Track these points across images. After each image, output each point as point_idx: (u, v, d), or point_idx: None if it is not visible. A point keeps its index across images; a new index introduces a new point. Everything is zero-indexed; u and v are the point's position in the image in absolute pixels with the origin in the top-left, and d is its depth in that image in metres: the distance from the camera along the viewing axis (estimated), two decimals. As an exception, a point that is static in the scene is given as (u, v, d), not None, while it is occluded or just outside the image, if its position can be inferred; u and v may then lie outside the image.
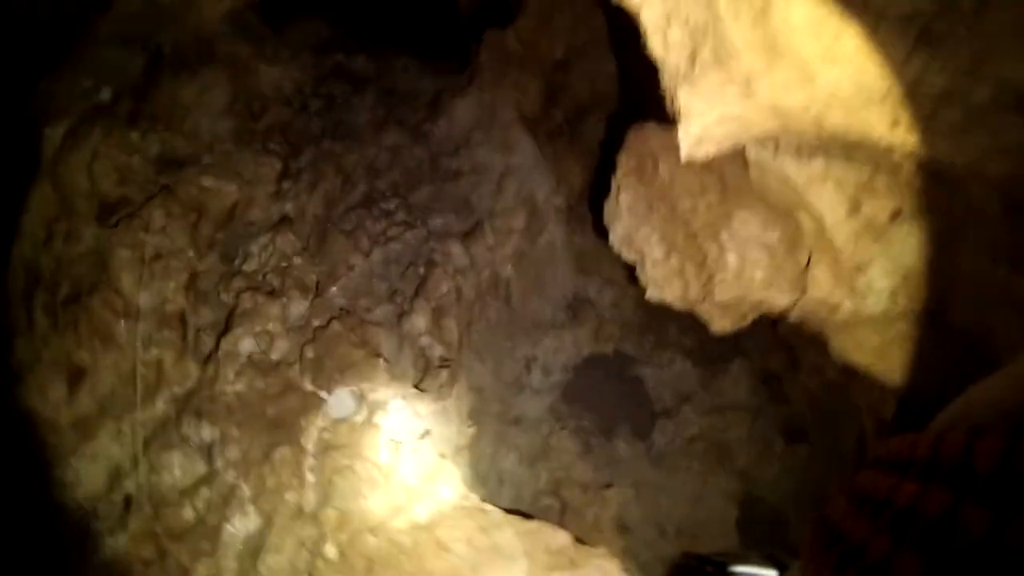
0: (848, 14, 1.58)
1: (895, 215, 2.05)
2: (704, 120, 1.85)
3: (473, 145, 3.82)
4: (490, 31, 4.20)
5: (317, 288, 2.97)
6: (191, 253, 3.03)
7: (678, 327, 4.26)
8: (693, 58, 1.78)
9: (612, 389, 4.07)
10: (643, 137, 2.65)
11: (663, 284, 2.72)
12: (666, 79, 1.93)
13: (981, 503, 0.37)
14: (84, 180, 3.33)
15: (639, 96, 3.04)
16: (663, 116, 2.50)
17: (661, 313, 4.39)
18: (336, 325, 2.89)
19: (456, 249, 3.31)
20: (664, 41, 1.83)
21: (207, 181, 3.27)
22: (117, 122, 3.37)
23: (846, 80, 1.66)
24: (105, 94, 3.59)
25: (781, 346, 3.66)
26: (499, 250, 3.58)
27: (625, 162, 2.74)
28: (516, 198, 3.69)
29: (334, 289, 2.99)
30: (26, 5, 3.55)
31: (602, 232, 4.24)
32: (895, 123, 1.71)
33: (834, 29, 1.59)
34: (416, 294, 3.08)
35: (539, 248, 3.79)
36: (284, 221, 3.22)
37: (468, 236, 3.42)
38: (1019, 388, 0.44)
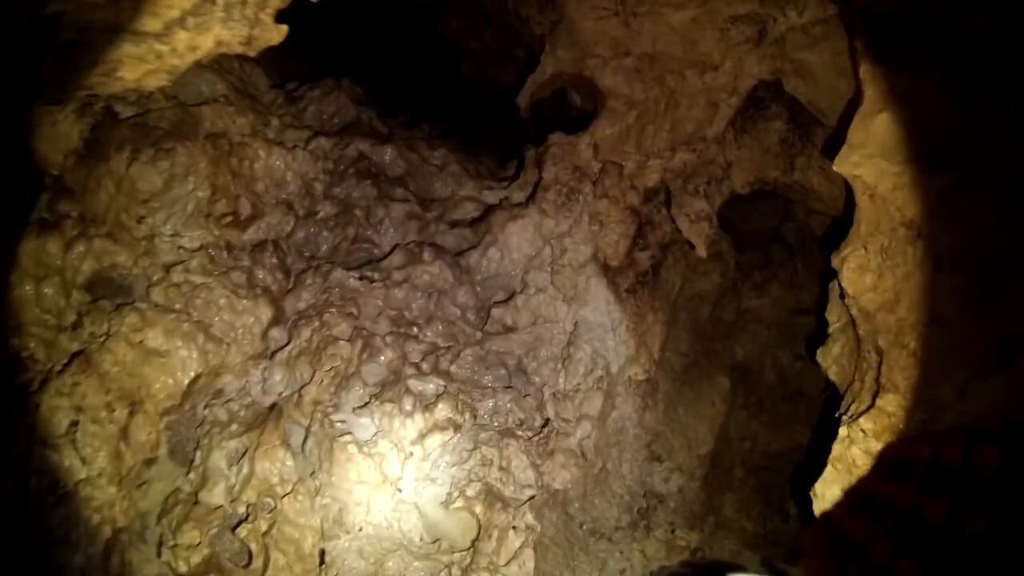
0: None
1: None
2: None
3: (532, 290, 2.87)
4: (557, 135, 3.28)
5: (321, 559, 1.90)
6: (112, 490, 1.88)
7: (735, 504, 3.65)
8: None
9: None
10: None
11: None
12: None
13: (981, 509, 0.36)
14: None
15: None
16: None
17: (719, 491, 3.69)
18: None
19: (518, 460, 2.32)
20: None
21: (153, 338, 2.14)
22: (29, 227, 2.22)
23: None
24: None
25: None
26: (564, 441, 2.61)
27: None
28: (589, 372, 2.75)
29: (344, 543, 1.92)
30: None
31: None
32: None
33: None
34: (472, 555, 2.05)
35: (607, 432, 2.84)
36: (272, 412, 2.15)
37: (533, 435, 2.43)
38: (1018, 394, 0.45)
